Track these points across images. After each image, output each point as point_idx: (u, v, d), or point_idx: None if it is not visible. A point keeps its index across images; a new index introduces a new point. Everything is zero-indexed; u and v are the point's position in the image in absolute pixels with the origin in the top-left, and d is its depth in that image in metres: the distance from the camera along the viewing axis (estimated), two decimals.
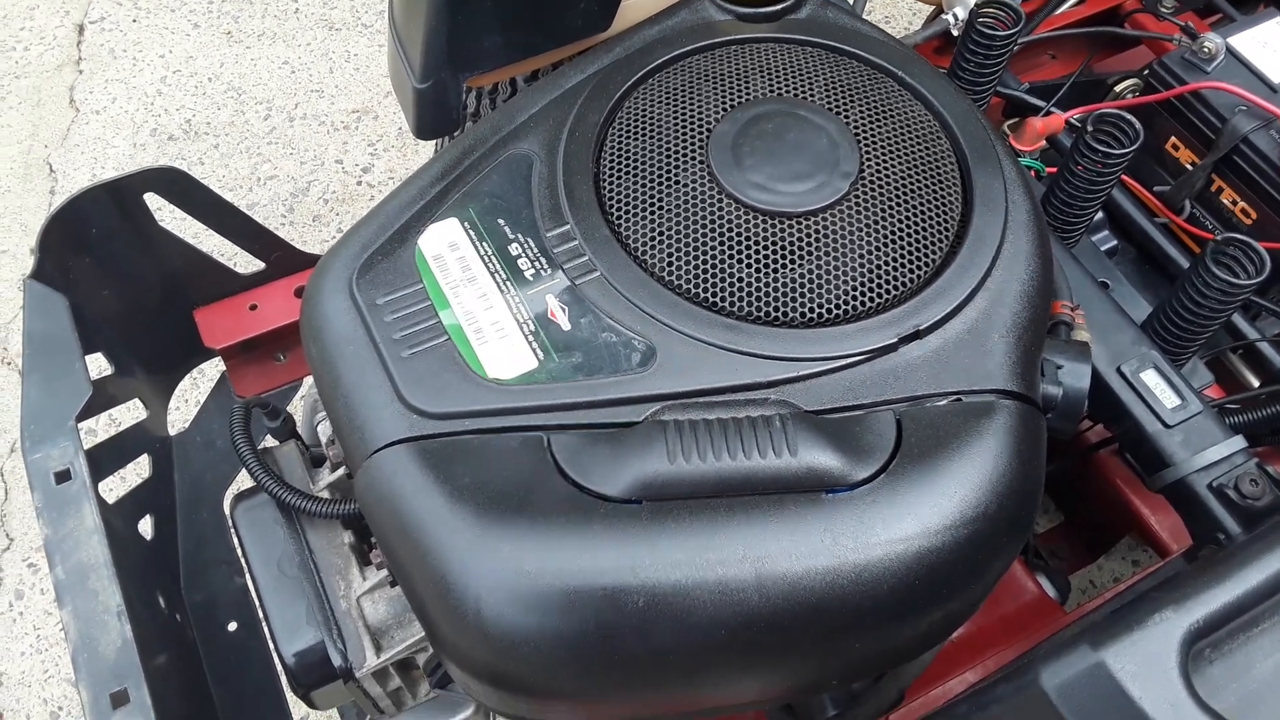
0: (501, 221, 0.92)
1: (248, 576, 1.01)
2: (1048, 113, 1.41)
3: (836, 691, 1.06)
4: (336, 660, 0.97)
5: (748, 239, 0.86)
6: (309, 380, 1.32)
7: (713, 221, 0.87)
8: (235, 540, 1.03)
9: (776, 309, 0.84)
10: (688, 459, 0.77)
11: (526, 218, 0.91)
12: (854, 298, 0.85)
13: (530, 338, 0.85)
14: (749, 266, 0.85)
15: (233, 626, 1.30)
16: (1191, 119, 1.38)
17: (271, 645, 0.99)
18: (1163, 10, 1.63)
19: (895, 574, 0.76)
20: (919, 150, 0.93)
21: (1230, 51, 1.38)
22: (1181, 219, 1.41)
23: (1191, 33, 1.44)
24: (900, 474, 0.78)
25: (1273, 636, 0.74)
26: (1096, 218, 1.39)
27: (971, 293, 0.86)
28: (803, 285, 0.85)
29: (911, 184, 0.90)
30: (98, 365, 1.22)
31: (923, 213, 0.89)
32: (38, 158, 2.49)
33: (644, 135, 0.93)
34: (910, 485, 0.77)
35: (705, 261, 0.86)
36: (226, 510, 1.11)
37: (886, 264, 0.86)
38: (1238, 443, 1.00)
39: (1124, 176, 1.41)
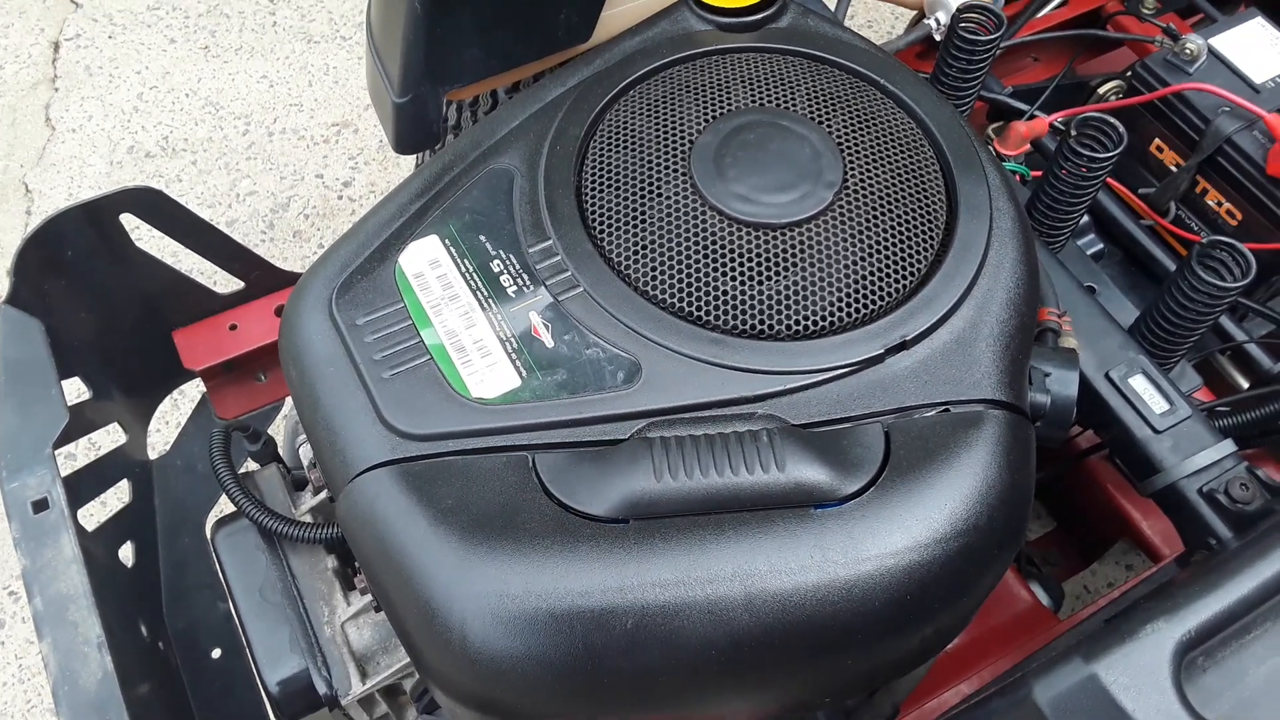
0: (483, 238, 0.90)
1: (230, 603, 1.00)
2: (1031, 116, 1.41)
3: (830, 708, 1.05)
4: (321, 688, 0.96)
5: (732, 251, 0.85)
6: (290, 401, 1.31)
7: (696, 234, 0.86)
8: (217, 567, 1.02)
9: (762, 322, 0.83)
10: (674, 476, 0.76)
11: (508, 233, 0.90)
12: (839, 309, 0.84)
13: (513, 356, 0.83)
14: (733, 279, 0.84)
15: (216, 653, 1.29)
16: (1175, 120, 1.37)
17: (255, 673, 0.97)
18: (1144, 12, 1.63)
19: (886, 589, 0.75)
20: (902, 158, 0.92)
21: (1212, 52, 1.38)
22: (1167, 221, 1.41)
23: (1173, 34, 1.44)
24: (889, 487, 0.77)
25: (1266, 643, 0.74)
26: (1082, 221, 1.39)
27: (957, 302, 0.86)
28: (788, 297, 0.84)
29: (895, 193, 0.89)
30: (75, 390, 1.20)
31: (907, 222, 0.88)
32: (13, 177, 2.47)
33: (626, 148, 0.92)
34: (900, 498, 0.76)
35: (689, 275, 0.85)
36: (208, 535, 1.09)
37: (872, 274, 0.85)
38: (1227, 446, 1.00)
39: (1109, 179, 1.40)
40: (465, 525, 0.75)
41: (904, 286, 0.86)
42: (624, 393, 0.81)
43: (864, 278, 0.85)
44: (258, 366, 1.42)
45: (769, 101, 0.94)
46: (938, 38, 1.44)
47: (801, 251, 0.85)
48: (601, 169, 0.92)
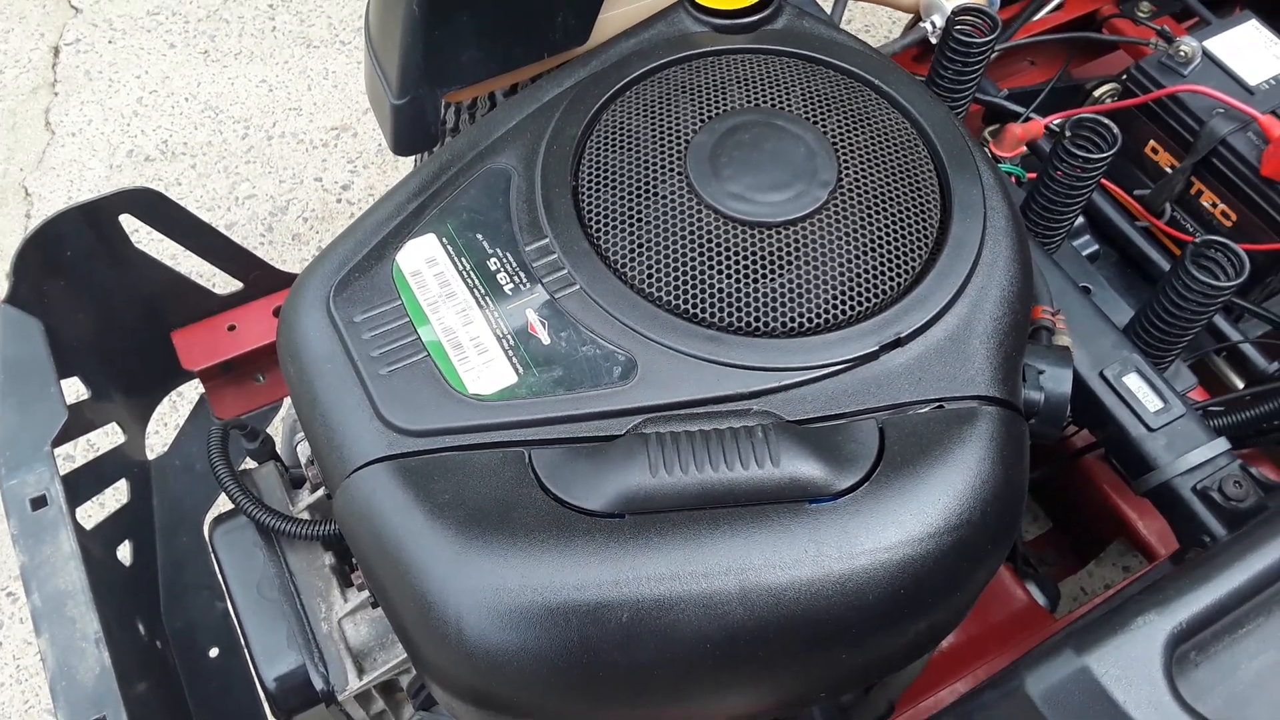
0: (480, 236, 0.91)
1: (227, 600, 1.00)
2: (1027, 119, 1.42)
3: (825, 704, 1.06)
4: (318, 683, 0.96)
5: (727, 249, 0.85)
6: (289, 401, 1.31)
7: (692, 233, 0.86)
8: (214, 564, 1.02)
9: (757, 319, 0.84)
10: (670, 471, 0.77)
11: (505, 232, 0.91)
12: (834, 306, 0.85)
13: (510, 353, 0.84)
14: (729, 277, 0.85)
15: (214, 652, 1.29)
16: (1170, 122, 1.38)
17: (252, 669, 0.97)
18: (1139, 15, 1.63)
19: (880, 583, 0.75)
20: (897, 158, 0.93)
21: (1206, 54, 1.39)
22: (1162, 222, 1.41)
23: (1168, 36, 1.45)
24: (883, 482, 0.77)
25: (1258, 638, 0.74)
26: (1078, 223, 1.39)
27: (952, 299, 0.86)
28: (783, 295, 0.84)
29: (890, 192, 0.90)
30: (74, 390, 1.20)
31: (901, 220, 0.89)
32: (13, 181, 2.47)
33: (622, 148, 0.93)
34: (894, 494, 0.77)
35: (685, 273, 0.85)
36: (206, 534, 1.10)
37: (866, 272, 0.86)
38: (1221, 444, 1.00)
39: (1104, 181, 1.41)
40: (461, 520, 0.76)
41: (898, 284, 0.87)
42: (620, 389, 0.81)
43: (859, 275, 0.86)
44: (256, 367, 1.43)
45: (764, 102, 0.95)
46: (933, 40, 1.45)
47: (796, 249, 0.85)
48: (598, 168, 0.92)
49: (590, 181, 0.92)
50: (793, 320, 0.84)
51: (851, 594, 0.75)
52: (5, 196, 2.44)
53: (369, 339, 0.86)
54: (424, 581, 0.75)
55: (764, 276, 0.85)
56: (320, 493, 1.05)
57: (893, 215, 0.89)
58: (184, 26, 2.78)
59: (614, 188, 0.90)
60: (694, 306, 0.84)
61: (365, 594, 0.98)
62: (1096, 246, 1.41)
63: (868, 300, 0.85)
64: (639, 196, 0.89)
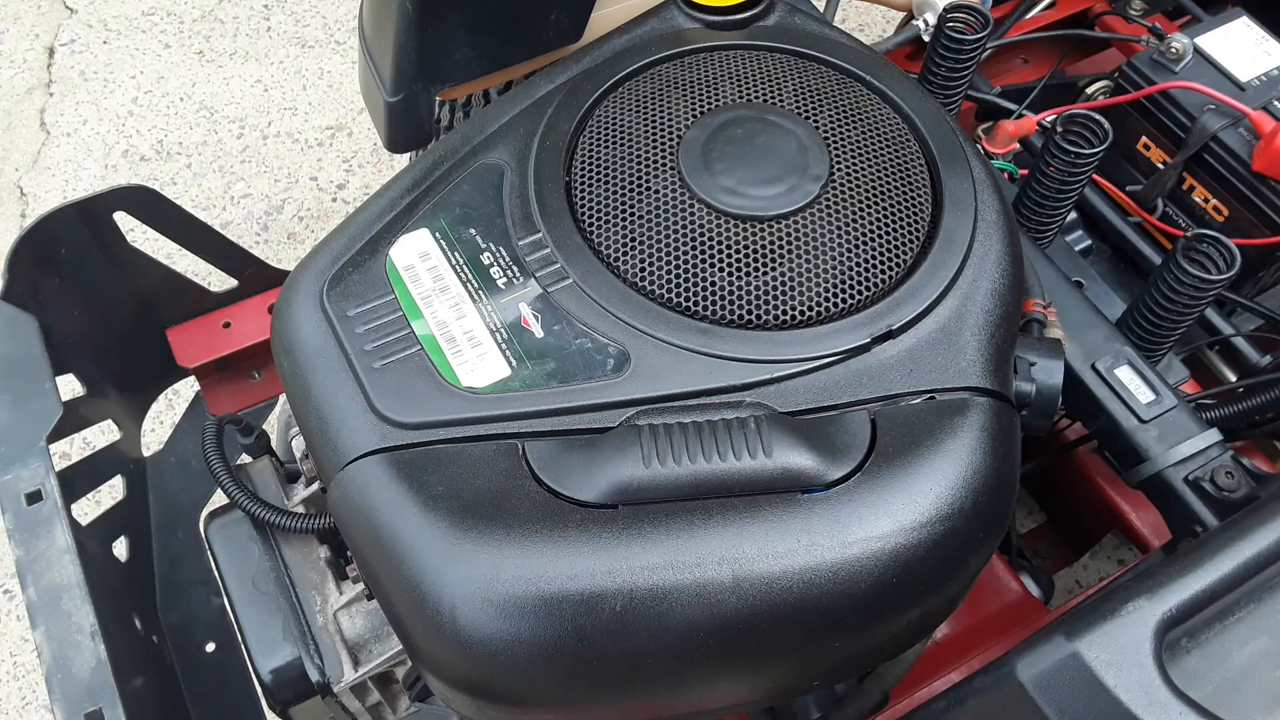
0: (473, 231, 0.91)
1: (223, 594, 1.00)
2: (1019, 115, 1.42)
3: (819, 693, 1.06)
4: (314, 675, 0.96)
5: (719, 243, 0.86)
6: (284, 397, 1.31)
7: (684, 226, 0.87)
8: (210, 558, 1.02)
9: (750, 312, 0.84)
10: (663, 463, 0.77)
11: (498, 227, 0.91)
12: (826, 299, 0.85)
13: (503, 346, 0.84)
14: (721, 270, 0.85)
15: (210, 647, 1.29)
16: (1161, 118, 1.39)
17: (248, 662, 0.97)
18: (1131, 12, 1.64)
19: (872, 572, 0.76)
20: (888, 152, 0.93)
21: (1198, 51, 1.39)
22: (1154, 217, 1.42)
23: (1159, 34, 1.46)
24: (875, 473, 0.78)
25: (1248, 625, 0.74)
26: (1070, 218, 1.40)
27: (943, 292, 0.87)
28: (775, 288, 0.85)
29: (881, 186, 0.90)
30: (70, 387, 1.20)
31: (893, 214, 0.89)
32: (8, 181, 2.47)
33: (615, 143, 0.93)
34: (885, 484, 0.77)
35: (677, 266, 0.85)
36: (201, 529, 1.10)
37: (858, 265, 0.86)
38: (1212, 436, 1.01)
39: (1096, 177, 1.42)
40: (455, 511, 0.76)
41: (890, 277, 0.87)
42: (613, 381, 0.82)
43: (850, 269, 0.86)
44: (251, 364, 1.43)
45: (756, 97, 0.95)
46: (926, 38, 1.46)
47: (788, 243, 0.86)
48: (591, 163, 0.93)
49: (583, 176, 0.92)
50: (785, 313, 0.84)
51: (844, 583, 0.75)
52: (0, 197, 2.44)
53: (362, 333, 0.86)
54: (418, 573, 0.76)
55: (756, 270, 0.85)
56: (315, 487, 1.05)
57: (884, 209, 0.89)
58: (179, 27, 2.78)
59: (607, 182, 0.91)
60: (686, 299, 0.85)
61: (360, 586, 0.98)
62: (1089, 241, 1.42)
63: (860, 293, 0.86)
64: (631, 191, 0.89)
